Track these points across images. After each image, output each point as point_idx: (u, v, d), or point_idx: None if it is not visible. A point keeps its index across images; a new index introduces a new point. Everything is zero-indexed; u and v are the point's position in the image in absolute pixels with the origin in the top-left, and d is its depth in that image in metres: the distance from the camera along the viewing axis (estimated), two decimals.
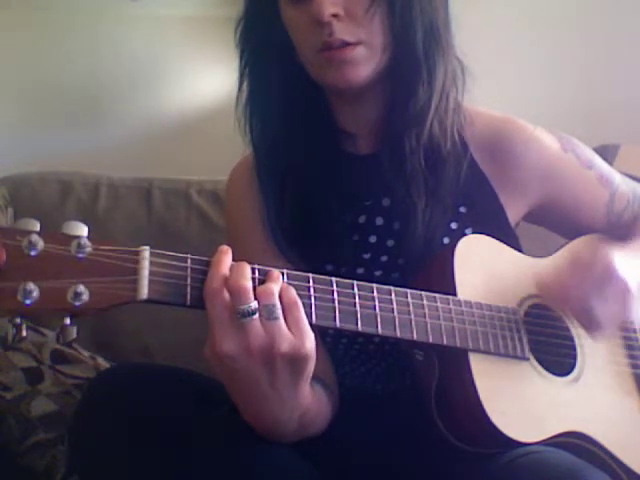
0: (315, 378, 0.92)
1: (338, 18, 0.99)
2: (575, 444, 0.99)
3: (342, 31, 0.99)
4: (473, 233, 1.08)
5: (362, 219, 1.11)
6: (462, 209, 1.10)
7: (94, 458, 0.90)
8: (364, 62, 1.02)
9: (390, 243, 1.10)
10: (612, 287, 0.98)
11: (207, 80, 2.64)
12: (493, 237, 1.07)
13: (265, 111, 1.12)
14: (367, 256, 1.09)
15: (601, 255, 1.01)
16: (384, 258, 1.09)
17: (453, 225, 1.09)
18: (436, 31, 1.05)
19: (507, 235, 1.10)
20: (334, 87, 1.05)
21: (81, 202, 1.72)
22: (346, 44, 1.00)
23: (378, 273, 1.09)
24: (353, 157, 1.13)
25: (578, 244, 1.17)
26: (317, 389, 0.95)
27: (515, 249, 1.09)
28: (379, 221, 1.11)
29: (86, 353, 1.48)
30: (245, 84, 1.12)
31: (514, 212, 1.14)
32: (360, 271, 1.09)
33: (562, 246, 1.17)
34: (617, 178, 1.21)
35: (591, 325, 1.00)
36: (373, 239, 1.10)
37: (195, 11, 2.62)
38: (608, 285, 0.98)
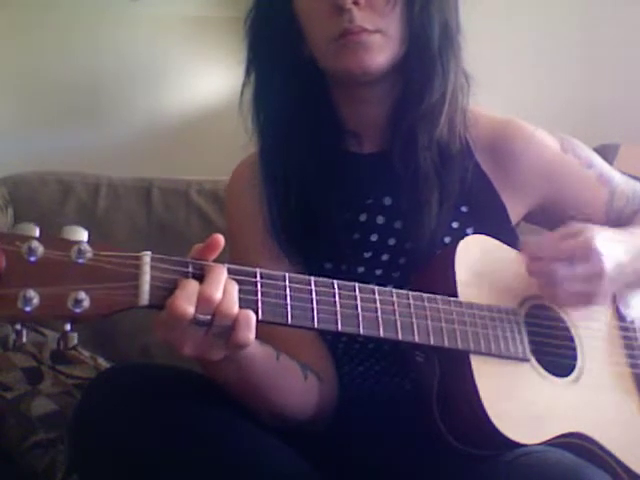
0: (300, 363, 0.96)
1: (359, 6, 1.01)
2: (576, 445, 0.98)
3: (362, 19, 1.01)
4: (474, 233, 1.09)
5: (363, 217, 1.11)
6: (464, 208, 1.11)
7: (94, 458, 0.90)
8: (380, 49, 1.03)
9: (392, 242, 1.10)
10: (586, 265, 0.98)
11: (207, 80, 2.64)
12: (494, 237, 1.07)
13: (270, 108, 1.12)
14: (368, 255, 1.09)
15: (587, 230, 1.00)
16: (385, 257, 1.09)
17: (454, 224, 1.09)
18: (450, 31, 1.07)
19: (508, 235, 1.10)
20: (348, 74, 1.05)
21: (81, 202, 1.72)
22: (364, 30, 1.01)
23: (379, 272, 1.09)
24: (356, 156, 1.13)
25: None
26: (283, 358, 0.96)
27: (516, 249, 1.09)
28: (380, 220, 1.11)
29: (86, 353, 1.48)
30: (251, 79, 1.12)
31: (515, 212, 1.14)
32: (360, 270, 1.09)
33: None
34: (617, 177, 1.21)
35: (549, 291, 1.00)
36: (374, 238, 1.10)
37: (195, 11, 2.62)
38: (582, 262, 0.97)
